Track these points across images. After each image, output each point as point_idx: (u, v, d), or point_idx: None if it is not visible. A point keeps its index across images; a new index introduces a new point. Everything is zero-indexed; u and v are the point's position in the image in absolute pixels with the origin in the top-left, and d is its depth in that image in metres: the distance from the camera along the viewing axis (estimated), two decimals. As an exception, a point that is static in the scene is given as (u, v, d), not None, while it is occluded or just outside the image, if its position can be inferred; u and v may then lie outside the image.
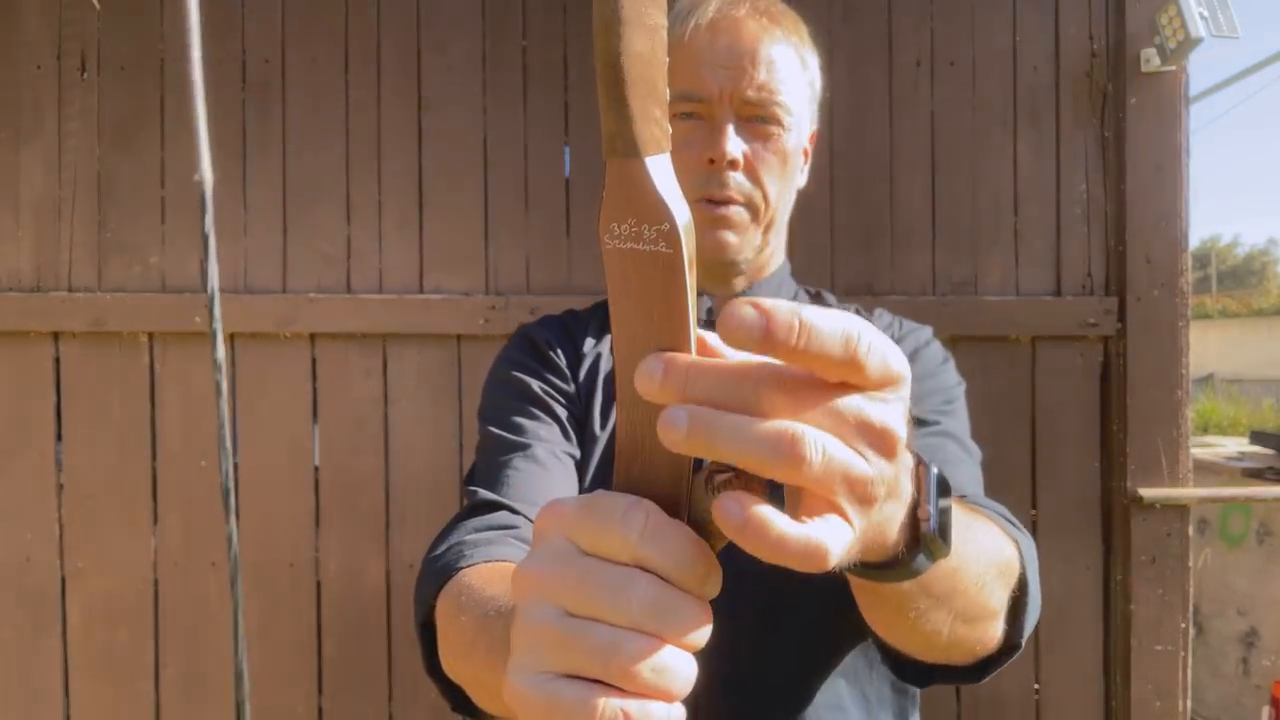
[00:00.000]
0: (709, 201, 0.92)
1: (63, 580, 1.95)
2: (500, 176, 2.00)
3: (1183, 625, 1.96)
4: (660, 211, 0.39)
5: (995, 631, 0.68)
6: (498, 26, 2.00)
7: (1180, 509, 1.95)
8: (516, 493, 0.83)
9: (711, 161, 0.90)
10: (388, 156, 1.99)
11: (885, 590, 0.52)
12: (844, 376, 0.36)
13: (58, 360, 1.96)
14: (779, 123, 0.92)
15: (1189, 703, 1.97)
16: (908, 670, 0.74)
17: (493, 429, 0.91)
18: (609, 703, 0.35)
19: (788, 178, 0.95)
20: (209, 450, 1.96)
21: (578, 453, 0.91)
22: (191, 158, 1.97)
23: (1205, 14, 1.84)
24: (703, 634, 0.38)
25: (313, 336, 1.97)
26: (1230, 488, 3.01)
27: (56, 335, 1.96)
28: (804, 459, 0.34)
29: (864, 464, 0.36)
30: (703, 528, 0.39)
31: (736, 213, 0.92)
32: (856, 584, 0.55)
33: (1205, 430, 7.71)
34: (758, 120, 0.92)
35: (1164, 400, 1.96)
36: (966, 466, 0.86)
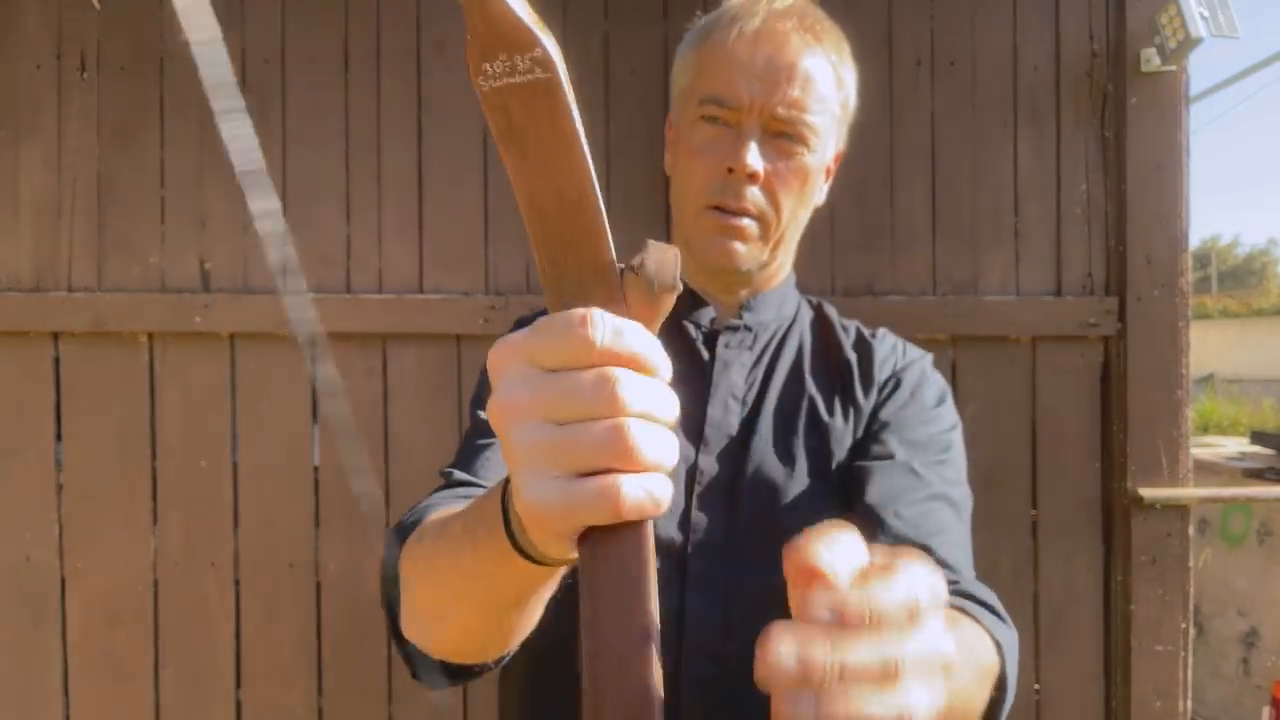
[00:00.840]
0: (721, 210, 0.91)
1: (62, 580, 1.95)
2: (500, 176, 2.00)
3: (1183, 625, 1.96)
4: (529, 38, 0.40)
5: None
6: (498, 26, 2.00)
7: (1180, 509, 1.95)
8: (487, 471, 0.85)
9: (730, 171, 0.89)
10: (387, 156, 1.99)
11: None
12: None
13: (57, 360, 1.96)
14: (804, 142, 0.91)
15: (1189, 703, 1.97)
16: None
17: (479, 412, 0.93)
18: (627, 480, 0.38)
19: (805, 198, 0.95)
20: (209, 450, 1.96)
21: None
22: (190, 158, 1.98)
23: (1205, 14, 1.83)
24: (675, 410, 0.41)
25: (313, 336, 1.96)
26: (1231, 488, 3.01)
27: (56, 335, 1.96)
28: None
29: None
30: (639, 319, 0.41)
31: (748, 225, 0.91)
32: None
33: (1205, 430, 7.72)
34: (783, 137, 0.91)
35: (1164, 400, 1.96)
36: (955, 533, 0.86)
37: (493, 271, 2.00)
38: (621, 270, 0.42)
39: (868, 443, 0.92)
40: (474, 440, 0.91)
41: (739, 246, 0.92)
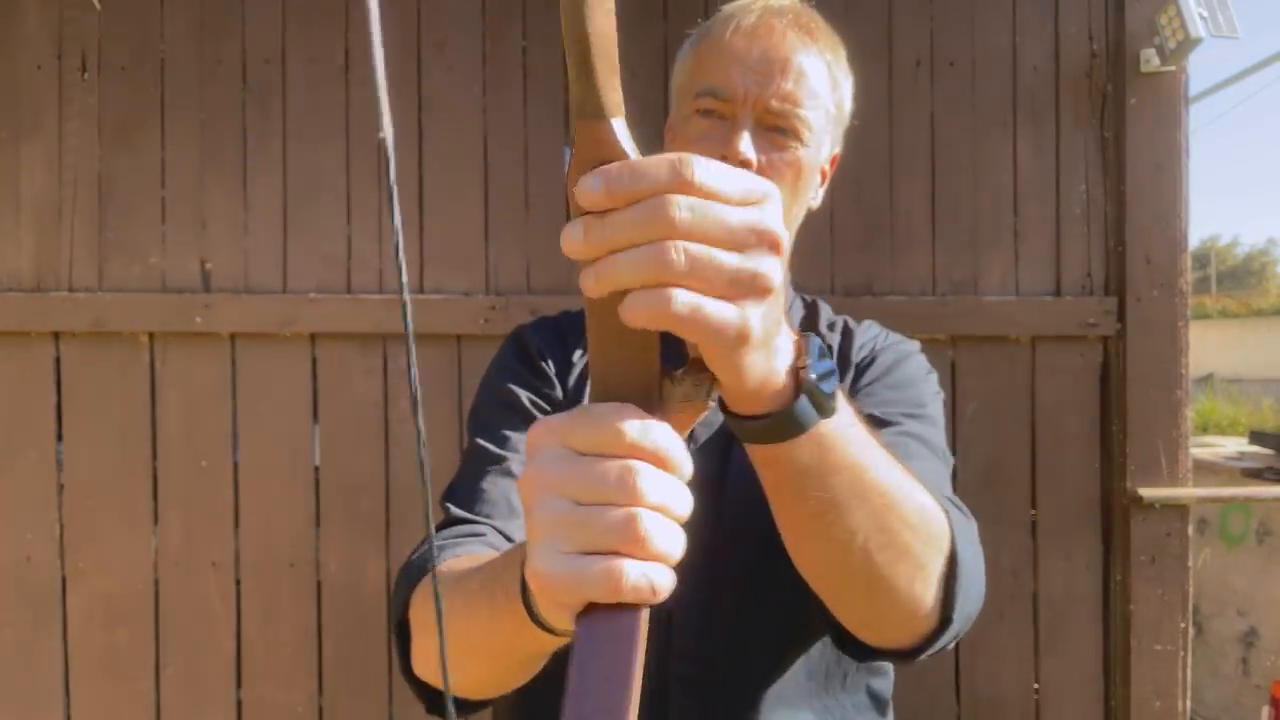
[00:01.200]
0: None
1: (63, 580, 1.95)
2: (500, 177, 2.00)
3: (1182, 625, 1.96)
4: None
5: (922, 588, 0.67)
6: (498, 26, 2.00)
7: (1180, 509, 1.96)
8: (489, 508, 0.86)
9: (723, 159, 0.89)
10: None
11: (784, 461, 0.56)
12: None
13: (58, 360, 1.96)
14: (798, 136, 0.91)
15: (1188, 703, 1.97)
16: (849, 642, 0.74)
17: (478, 439, 0.93)
18: (631, 565, 0.41)
19: (798, 193, 0.94)
20: (209, 450, 1.96)
21: None
22: (190, 158, 1.98)
23: (1205, 14, 1.84)
24: (689, 507, 0.44)
25: (313, 336, 1.97)
26: (1230, 488, 3.02)
27: (57, 335, 1.96)
28: (668, 259, 0.40)
29: (733, 257, 0.41)
30: (670, 423, 0.45)
31: None
32: (761, 462, 0.58)
33: (1205, 430, 7.72)
34: (777, 130, 0.91)
35: (1163, 400, 1.96)
36: (929, 463, 0.85)
37: (493, 272, 2.00)
38: (663, 376, 0.45)
39: None
40: (475, 468, 0.91)
41: None
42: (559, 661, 0.89)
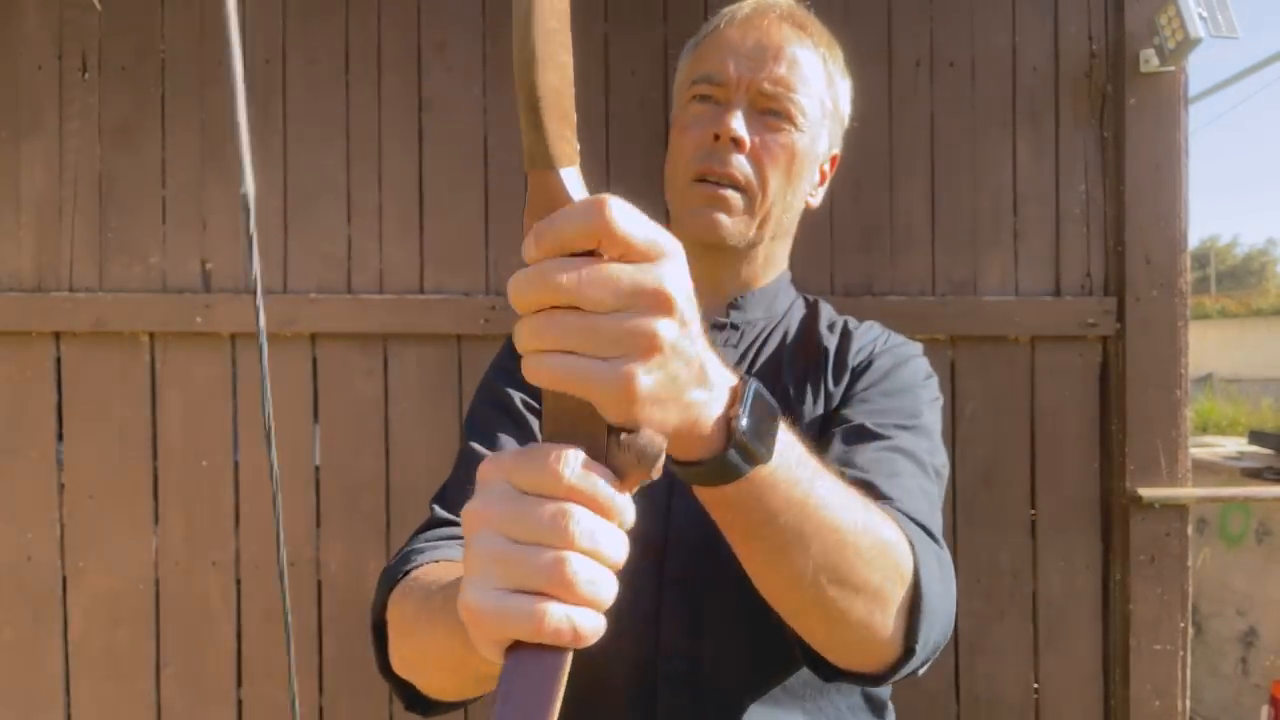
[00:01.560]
0: (705, 181, 0.92)
1: (64, 580, 1.96)
2: (501, 177, 2.00)
3: (1182, 625, 1.96)
4: None
5: (881, 619, 0.67)
6: (498, 27, 2.01)
7: (1179, 509, 1.96)
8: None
9: (716, 138, 0.91)
10: (388, 157, 1.99)
11: (725, 503, 0.58)
12: (605, 249, 0.44)
13: (59, 360, 1.96)
14: (791, 120, 0.93)
15: (1188, 702, 1.97)
16: (817, 663, 0.75)
17: (470, 442, 0.93)
18: (554, 608, 0.41)
19: (793, 179, 0.95)
20: (210, 450, 1.96)
21: None
22: (191, 158, 1.98)
23: (1204, 14, 1.84)
24: (624, 555, 0.44)
25: (313, 336, 1.97)
26: (1229, 487, 3.02)
27: (57, 335, 1.96)
28: (550, 324, 0.43)
29: (612, 320, 0.42)
30: (618, 474, 0.45)
31: (732, 195, 0.92)
32: (705, 502, 0.60)
33: (1204, 430, 7.72)
34: (770, 113, 0.93)
35: (1163, 400, 1.96)
36: (913, 480, 0.84)
37: (493, 272, 2.00)
38: (613, 433, 0.45)
39: (833, 421, 0.91)
40: (465, 470, 0.92)
41: (723, 218, 0.92)
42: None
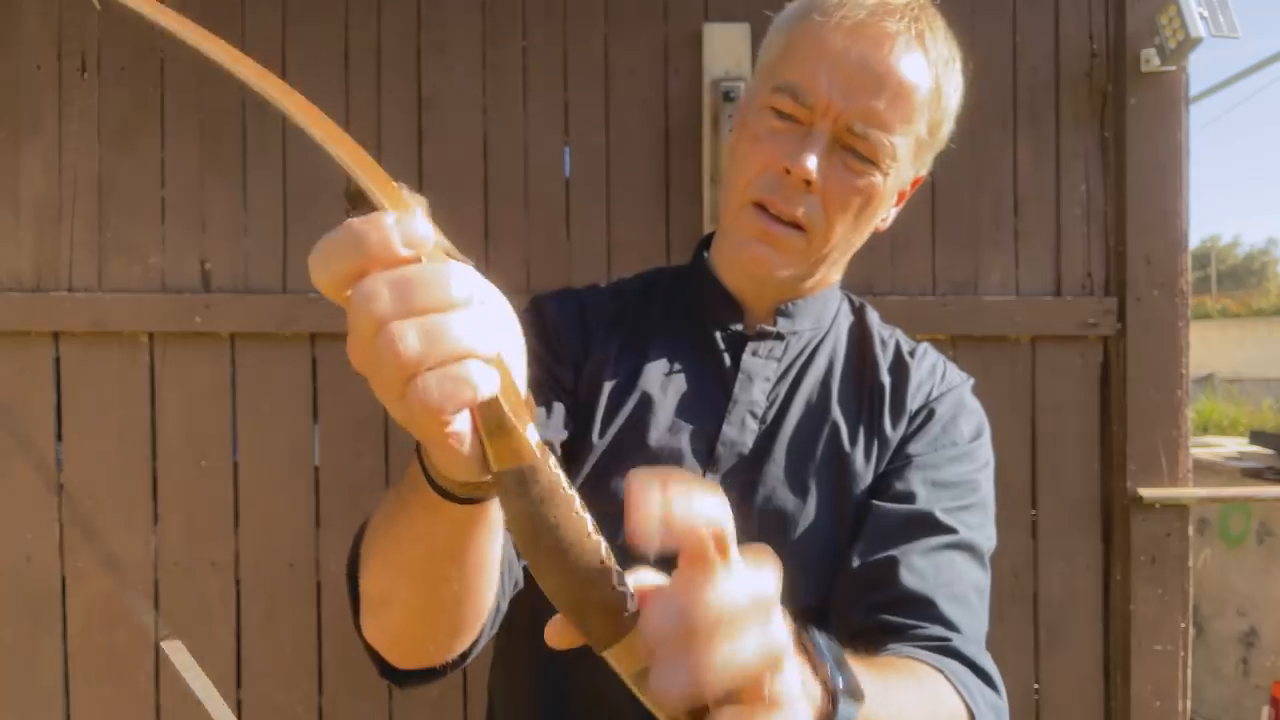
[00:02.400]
0: (766, 210, 0.82)
1: (63, 580, 1.95)
2: (500, 177, 2.00)
3: (1182, 625, 1.96)
4: None
5: None
6: (498, 27, 2.00)
7: (1180, 509, 1.96)
8: None
9: (787, 172, 0.80)
10: (388, 156, 1.99)
11: None
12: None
13: (58, 360, 1.96)
14: (877, 164, 0.81)
15: (1189, 703, 1.97)
16: None
17: None
18: (423, 381, 0.38)
19: (863, 221, 0.86)
20: (209, 450, 1.96)
21: (563, 434, 0.84)
22: (190, 158, 1.98)
23: (1205, 14, 1.84)
24: (468, 291, 0.41)
25: (313, 336, 1.97)
26: (1230, 488, 3.02)
27: (57, 335, 1.96)
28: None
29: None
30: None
31: (790, 236, 0.82)
32: None
33: (1205, 430, 7.72)
34: (853, 153, 0.81)
35: (1164, 400, 1.96)
36: (969, 584, 0.81)
37: (493, 272, 1.99)
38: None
39: (890, 478, 0.85)
40: None
41: (773, 256, 0.83)
42: (548, 672, 0.87)
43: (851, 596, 0.80)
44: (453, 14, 2.00)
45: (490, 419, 0.43)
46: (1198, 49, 1.87)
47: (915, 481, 0.83)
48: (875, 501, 0.83)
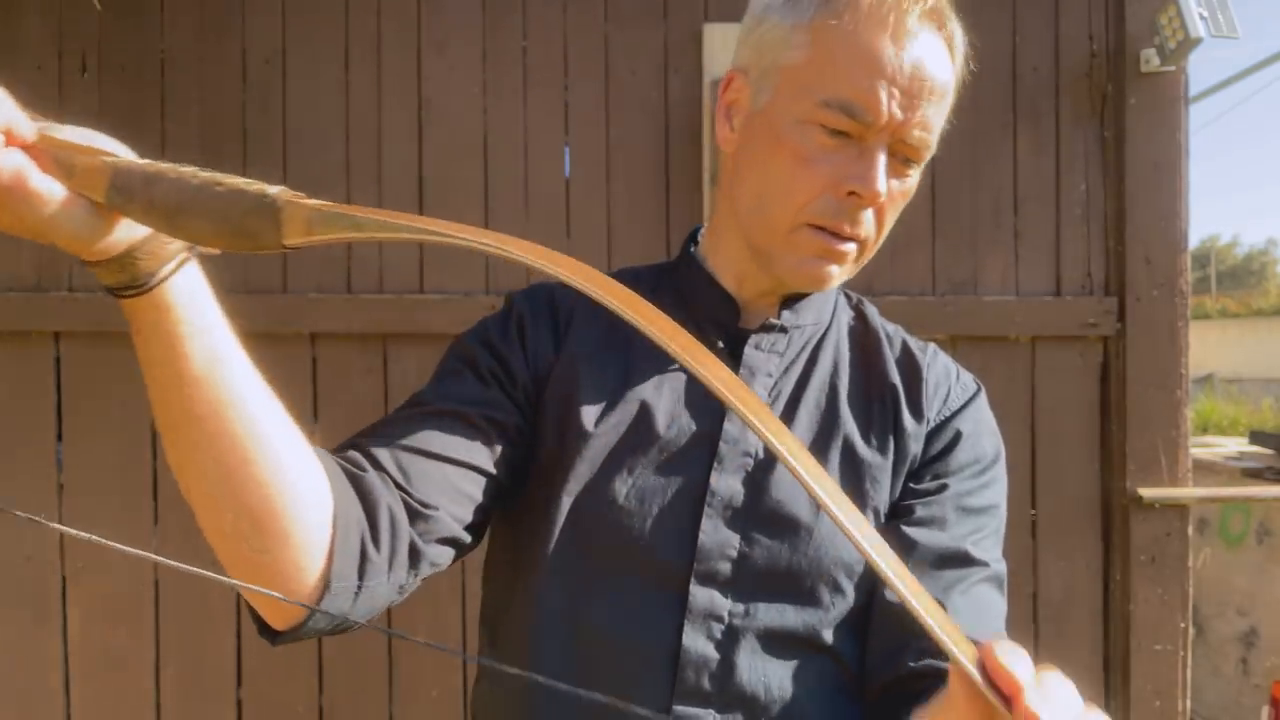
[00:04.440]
0: (829, 232, 0.79)
1: (63, 580, 1.95)
2: (500, 176, 2.00)
3: (1182, 625, 1.96)
4: None
5: None
6: (498, 26, 2.00)
7: (1180, 509, 1.96)
8: (371, 437, 0.78)
9: (851, 194, 0.77)
10: (388, 156, 1.99)
11: None
12: None
13: (58, 360, 1.96)
14: (920, 163, 0.82)
15: (1188, 702, 1.97)
16: None
17: (422, 387, 0.86)
18: None
19: (897, 215, 0.85)
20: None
21: (510, 420, 0.82)
22: (191, 158, 1.98)
23: (1205, 14, 1.84)
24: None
25: (313, 336, 1.97)
26: (1230, 487, 3.02)
27: (57, 335, 1.96)
28: None
29: None
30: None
31: (851, 251, 0.80)
32: None
33: (1205, 430, 7.72)
34: (902, 160, 0.80)
35: (1163, 400, 1.96)
36: (995, 615, 0.81)
37: (492, 272, 2.00)
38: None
39: (920, 501, 0.83)
40: (399, 410, 0.83)
41: (834, 270, 0.81)
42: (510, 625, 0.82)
43: (896, 638, 0.77)
44: (453, 14, 2.00)
45: (60, 169, 0.51)
46: (1197, 49, 1.87)
47: (948, 509, 0.82)
48: (905, 528, 0.81)
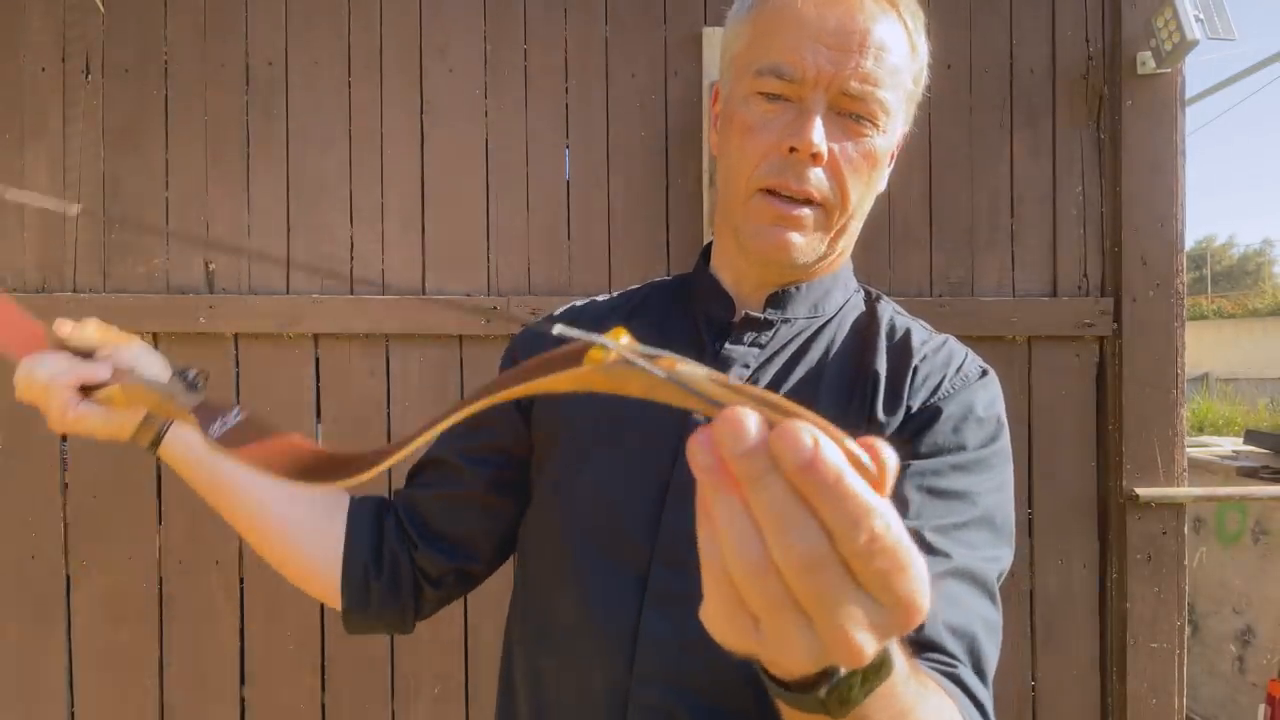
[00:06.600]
0: (777, 195, 0.79)
1: (67, 578, 1.96)
2: (501, 178, 2.01)
3: (1178, 623, 1.97)
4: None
5: None
6: (499, 29, 2.02)
7: (1176, 508, 1.97)
8: (410, 481, 0.97)
9: (792, 150, 0.77)
10: (390, 158, 2.00)
11: None
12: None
13: (62, 360, 1.97)
14: (874, 122, 0.80)
15: (1184, 700, 1.99)
16: None
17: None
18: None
19: (872, 184, 0.84)
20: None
21: (507, 438, 0.92)
22: (194, 160, 1.99)
23: (1201, 16, 1.85)
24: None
25: (316, 337, 1.98)
26: (1225, 487, 3.03)
27: (60, 335, 1.96)
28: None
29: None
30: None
31: (806, 215, 0.80)
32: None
33: (1200, 430, 7.74)
34: (851, 116, 0.79)
35: (1159, 400, 1.98)
36: (967, 612, 0.75)
37: (494, 273, 2.01)
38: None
39: None
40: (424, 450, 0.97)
41: (795, 238, 0.81)
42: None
43: None
44: (454, 17, 2.01)
45: (107, 401, 0.80)
46: (1193, 51, 1.88)
47: (909, 487, 0.76)
48: None
